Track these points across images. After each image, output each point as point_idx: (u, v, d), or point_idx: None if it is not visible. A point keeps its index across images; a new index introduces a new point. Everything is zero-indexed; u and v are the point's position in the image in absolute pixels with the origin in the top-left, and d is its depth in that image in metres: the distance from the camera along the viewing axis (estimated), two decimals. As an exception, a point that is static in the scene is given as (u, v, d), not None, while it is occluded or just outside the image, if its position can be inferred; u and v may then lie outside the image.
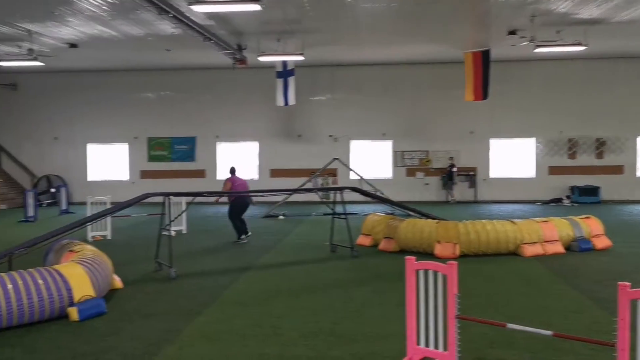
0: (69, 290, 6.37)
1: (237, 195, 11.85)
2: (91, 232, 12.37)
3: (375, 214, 12.10)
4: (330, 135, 21.60)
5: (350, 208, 11.35)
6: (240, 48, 16.52)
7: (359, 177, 17.71)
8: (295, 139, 21.71)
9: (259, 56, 16.24)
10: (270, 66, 18.98)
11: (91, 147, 22.37)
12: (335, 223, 10.94)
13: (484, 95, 17.85)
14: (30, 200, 16.65)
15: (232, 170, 12.47)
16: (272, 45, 16.03)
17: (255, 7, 10.98)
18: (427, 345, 4.75)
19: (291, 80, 18.44)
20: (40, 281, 6.27)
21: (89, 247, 7.97)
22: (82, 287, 6.49)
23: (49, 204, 20.56)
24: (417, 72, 21.24)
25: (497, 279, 8.36)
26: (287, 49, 16.56)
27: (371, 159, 21.82)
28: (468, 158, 21.41)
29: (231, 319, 6.36)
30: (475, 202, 21.11)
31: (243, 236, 12.07)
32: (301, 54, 16.22)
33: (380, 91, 21.43)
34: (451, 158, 21.16)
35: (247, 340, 5.63)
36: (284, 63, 18.25)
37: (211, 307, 6.84)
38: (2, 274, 6.28)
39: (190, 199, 11.24)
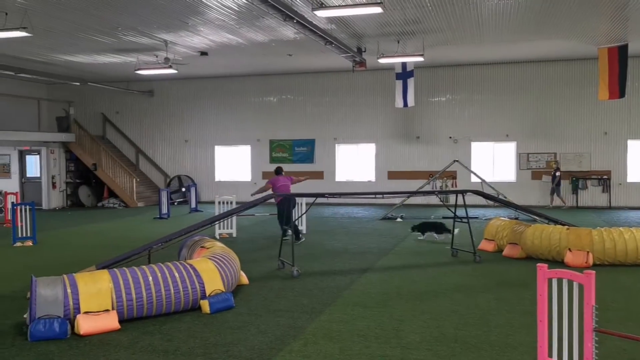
0: (201, 284, 6.77)
1: (282, 197, 11.38)
2: (219, 229, 13.03)
3: (499, 218, 11.65)
4: (450, 137, 21.12)
5: (471, 212, 11.01)
6: (359, 51, 16.65)
7: (480, 180, 17.15)
8: (414, 141, 21.47)
9: (378, 58, 16.25)
10: (389, 68, 18.94)
11: (218, 149, 23.59)
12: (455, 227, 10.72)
13: (621, 94, 16.55)
14: (164, 199, 17.88)
15: (278, 171, 12.55)
16: (391, 46, 15.99)
17: (377, 10, 11.00)
18: (559, 358, 4.49)
19: (411, 82, 18.26)
20: (176, 274, 6.71)
21: (219, 243, 8.41)
22: (213, 281, 6.86)
23: (180, 202, 21.95)
24: (544, 69, 20.18)
25: (636, 290, 7.73)
26: (406, 50, 16.44)
27: (493, 161, 21.06)
28: (601, 161, 19.97)
29: (352, 319, 6.42)
30: (610, 208, 19.64)
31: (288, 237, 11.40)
32: (421, 55, 16.01)
33: (503, 90, 20.62)
34: (556, 162, 19.91)
35: (369, 341, 5.65)
36: (404, 64, 18.11)
37: (332, 307, 6.95)
38: (143, 267, 6.80)
39: (311, 200, 11.49)
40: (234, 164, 23.45)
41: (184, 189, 22.56)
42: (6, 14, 11.80)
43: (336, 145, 22.29)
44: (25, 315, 6.36)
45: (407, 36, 15.20)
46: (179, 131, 23.81)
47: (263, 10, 11.10)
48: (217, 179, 23.41)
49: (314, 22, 12.62)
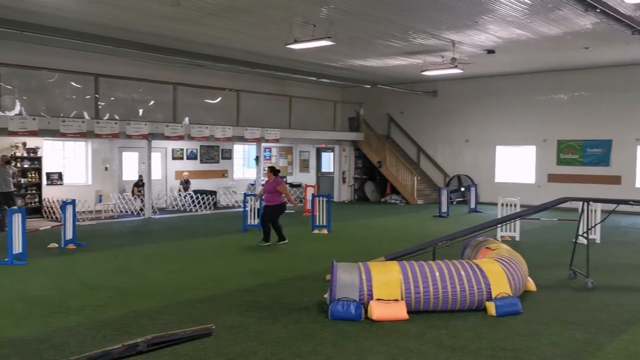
0: (487, 285, 6.66)
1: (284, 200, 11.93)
2: (500, 232, 12.67)
3: None
4: None
5: None
6: (674, 38, 14.43)
7: None
8: None
9: (699, 46, 13.89)
10: None
11: (499, 149, 22.94)
12: None
13: None
14: (444, 198, 18.11)
15: (277, 171, 12.31)
16: None
17: None
18: None
19: None
20: (462, 273, 6.73)
21: (505, 246, 8.17)
22: (499, 284, 6.70)
23: (458, 202, 21.98)
24: None
25: None
26: None
27: None
28: None
29: (663, 345, 5.62)
30: None
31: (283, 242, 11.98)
32: None
33: None
34: None
35: (687, 373, 4.88)
36: None
37: (637, 327, 6.18)
38: (430, 262, 6.98)
39: (609, 206, 10.39)
40: (516, 165, 22.52)
41: (463, 189, 22.52)
42: (314, 25, 13.29)
43: (638, 147, 19.73)
44: (325, 295, 7.08)
45: None
46: (460, 131, 23.82)
47: (560, 2, 10.40)
48: (497, 180, 22.77)
49: (620, 10, 11.35)
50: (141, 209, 17.16)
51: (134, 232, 14.01)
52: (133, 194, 18.02)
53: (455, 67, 16.76)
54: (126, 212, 17.46)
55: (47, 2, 11.71)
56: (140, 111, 17.54)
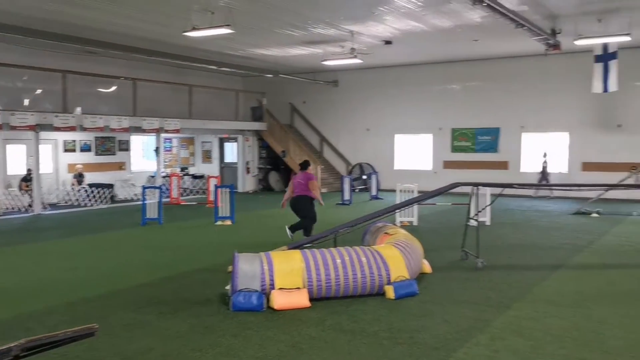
0: (387, 270, 6.86)
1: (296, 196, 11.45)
2: (399, 217, 13.11)
3: None
4: (659, 125, 18.80)
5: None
6: (554, 33, 15.46)
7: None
8: (614, 130, 19.47)
9: (575, 40, 14.96)
10: (585, 50, 17.34)
11: (398, 138, 23.68)
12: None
13: None
14: (346, 186, 18.45)
15: (306, 165, 12.01)
16: (591, 27, 14.61)
17: (577, -14, 10.14)
18: None
19: (613, 64, 16.54)
20: (363, 259, 6.88)
21: (402, 231, 8.46)
22: (397, 267, 6.92)
23: (360, 190, 22.48)
24: None
25: None
26: (609, 30, 14.90)
27: None
28: None
29: (544, 317, 6.06)
30: None
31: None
32: (628, 34, 14.42)
33: None
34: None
35: (564, 342, 5.29)
36: (605, 46, 16.46)
37: (521, 302, 6.62)
38: (332, 249, 7.08)
39: (497, 190, 11.02)
40: (414, 153, 23.35)
41: (364, 177, 23.05)
42: (212, 13, 12.98)
43: (522, 134, 21.09)
44: (227, 287, 6.99)
45: (610, 14, 13.79)
46: (360, 120, 24.32)
47: (451, -5, 10.84)
48: (396, 167, 23.50)
49: (504, 4, 12.01)
50: (30, 205, 16.11)
51: (22, 229, 13.14)
52: (21, 189, 16.86)
53: (355, 57, 17.05)
54: (13, 208, 16.31)
55: None
56: (26, 101, 16.40)
